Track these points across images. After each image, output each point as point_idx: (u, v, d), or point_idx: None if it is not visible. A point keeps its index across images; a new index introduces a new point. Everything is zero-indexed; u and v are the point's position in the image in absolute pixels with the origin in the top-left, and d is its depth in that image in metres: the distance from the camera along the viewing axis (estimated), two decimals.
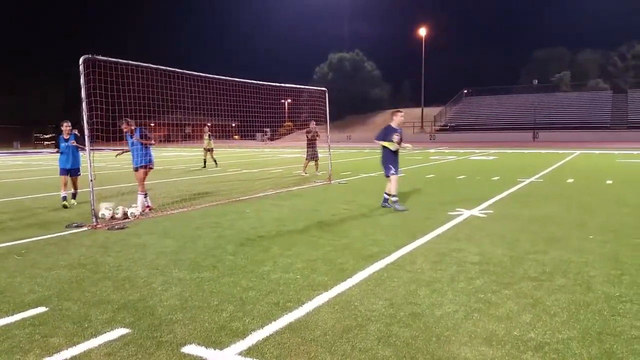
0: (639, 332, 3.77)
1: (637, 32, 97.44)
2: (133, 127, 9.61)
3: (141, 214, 8.99)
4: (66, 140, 10.48)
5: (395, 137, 9.47)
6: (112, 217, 8.60)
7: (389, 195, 9.59)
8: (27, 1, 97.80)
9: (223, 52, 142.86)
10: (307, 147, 17.17)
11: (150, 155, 9.78)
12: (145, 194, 9.65)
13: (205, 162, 22.17)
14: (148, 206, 9.66)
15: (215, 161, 22.20)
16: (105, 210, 8.61)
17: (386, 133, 9.54)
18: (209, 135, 22.00)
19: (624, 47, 79.62)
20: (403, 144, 9.67)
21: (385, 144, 9.44)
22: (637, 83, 66.65)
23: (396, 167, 9.55)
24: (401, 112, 9.89)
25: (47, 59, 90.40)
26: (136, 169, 9.73)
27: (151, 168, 9.88)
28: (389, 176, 9.49)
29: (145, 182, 9.71)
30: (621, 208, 9.30)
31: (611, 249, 6.19)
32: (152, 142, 9.84)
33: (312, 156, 17.15)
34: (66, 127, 10.51)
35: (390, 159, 9.54)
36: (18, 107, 74.16)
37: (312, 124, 17.09)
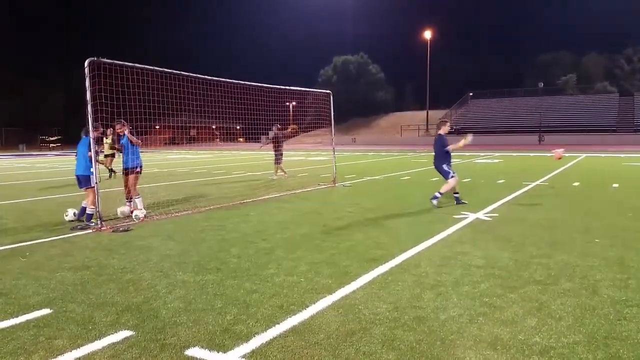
0: None
1: None
2: (125, 129, 9.51)
3: (145, 217, 9.01)
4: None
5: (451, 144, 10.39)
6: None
7: (456, 193, 10.42)
8: (27, 2, 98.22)
9: (227, 54, 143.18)
10: (274, 151, 17.41)
11: (139, 159, 9.77)
12: (131, 199, 9.66)
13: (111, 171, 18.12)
14: (132, 210, 9.64)
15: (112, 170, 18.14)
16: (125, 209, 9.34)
17: (446, 141, 10.35)
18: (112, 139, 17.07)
19: (630, 50, 79.31)
20: (460, 143, 10.45)
21: (454, 146, 10.32)
22: None
23: (452, 169, 10.35)
24: (447, 121, 11.05)
25: (48, 60, 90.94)
26: (127, 172, 9.69)
27: (139, 172, 9.80)
28: (450, 178, 10.21)
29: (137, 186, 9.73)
30: (627, 212, 9.24)
31: (617, 253, 6.15)
32: (139, 142, 9.73)
33: (277, 159, 17.39)
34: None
35: (447, 163, 10.32)
36: (20, 110, 74.43)
37: (275, 128, 17.20)
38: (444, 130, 10.49)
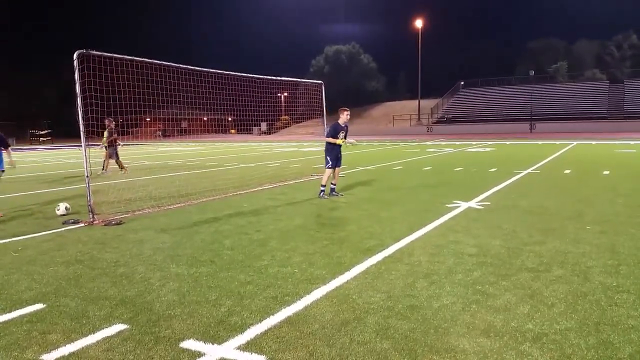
0: (635, 321, 3.78)
1: (633, 21, 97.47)
2: None
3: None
4: None
5: (341, 135, 10.19)
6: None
7: (333, 185, 10.43)
8: None
9: (219, 45, 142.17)
10: (109, 147, 16.85)
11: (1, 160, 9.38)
12: None
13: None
14: None
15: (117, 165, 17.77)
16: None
17: (335, 131, 10.14)
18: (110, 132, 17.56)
19: (620, 36, 79.59)
20: (347, 140, 10.44)
21: (333, 141, 10.10)
22: (634, 73, 66.60)
23: (334, 161, 10.24)
24: (347, 110, 10.43)
25: (40, 52, 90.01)
26: None
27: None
28: (327, 168, 10.24)
29: None
30: (618, 198, 9.32)
31: (608, 240, 6.21)
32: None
33: (111, 154, 16.92)
34: None
35: (331, 153, 10.24)
36: (9, 103, 73.69)
37: (108, 122, 16.30)
38: (341, 119, 10.15)
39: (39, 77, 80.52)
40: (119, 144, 17.36)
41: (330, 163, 10.17)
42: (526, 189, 10.86)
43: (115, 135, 16.99)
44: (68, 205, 8.98)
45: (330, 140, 10.10)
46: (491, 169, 15.29)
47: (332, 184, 10.44)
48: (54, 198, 10.56)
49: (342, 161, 10.64)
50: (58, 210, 8.83)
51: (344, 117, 10.17)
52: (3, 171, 9.59)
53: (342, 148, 10.35)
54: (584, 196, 9.68)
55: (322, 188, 10.16)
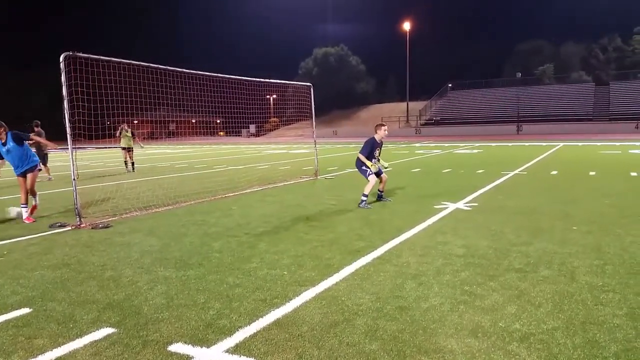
0: (621, 320, 3.83)
1: (618, 25, 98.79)
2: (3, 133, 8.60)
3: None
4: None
5: (377, 152, 9.63)
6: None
7: (380, 192, 9.87)
8: None
9: (208, 47, 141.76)
10: (38, 152, 15.29)
11: (34, 155, 9.08)
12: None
13: (126, 164, 19.10)
14: (35, 205, 9.14)
15: (132, 164, 18.94)
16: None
17: (372, 148, 9.53)
18: (126, 132, 18.90)
19: (605, 39, 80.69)
20: (382, 163, 9.82)
21: (365, 161, 9.43)
22: (619, 75, 67.57)
23: (375, 171, 9.68)
24: (385, 125, 9.88)
25: (30, 54, 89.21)
26: (24, 173, 8.79)
27: (40, 169, 9.31)
28: (368, 177, 9.48)
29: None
30: (604, 199, 9.43)
31: (594, 240, 6.28)
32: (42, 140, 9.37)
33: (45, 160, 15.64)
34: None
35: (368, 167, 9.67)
36: (11, 103, 72.79)
37: (36, 127, 14.83)
38: (378, 134, 9.55)
39: (39, 77, 79.63)
40: (47, 151, 16.00)
41: (369, 171, 9.40)
42: (513, 190, 10.95)
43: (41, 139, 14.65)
44: (19, 210, 8.74)
45: (363, 159, 9.43)
46: (479, 170, 15.39)
47: (379, 190, 9.80)
48: (41, 201, 10.42)
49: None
50: (9, 214, 8.69)
51: (381, 132, 9.55)
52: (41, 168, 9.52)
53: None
54: (570, 197, 9.78)
55: (364, 198, 9.22)
